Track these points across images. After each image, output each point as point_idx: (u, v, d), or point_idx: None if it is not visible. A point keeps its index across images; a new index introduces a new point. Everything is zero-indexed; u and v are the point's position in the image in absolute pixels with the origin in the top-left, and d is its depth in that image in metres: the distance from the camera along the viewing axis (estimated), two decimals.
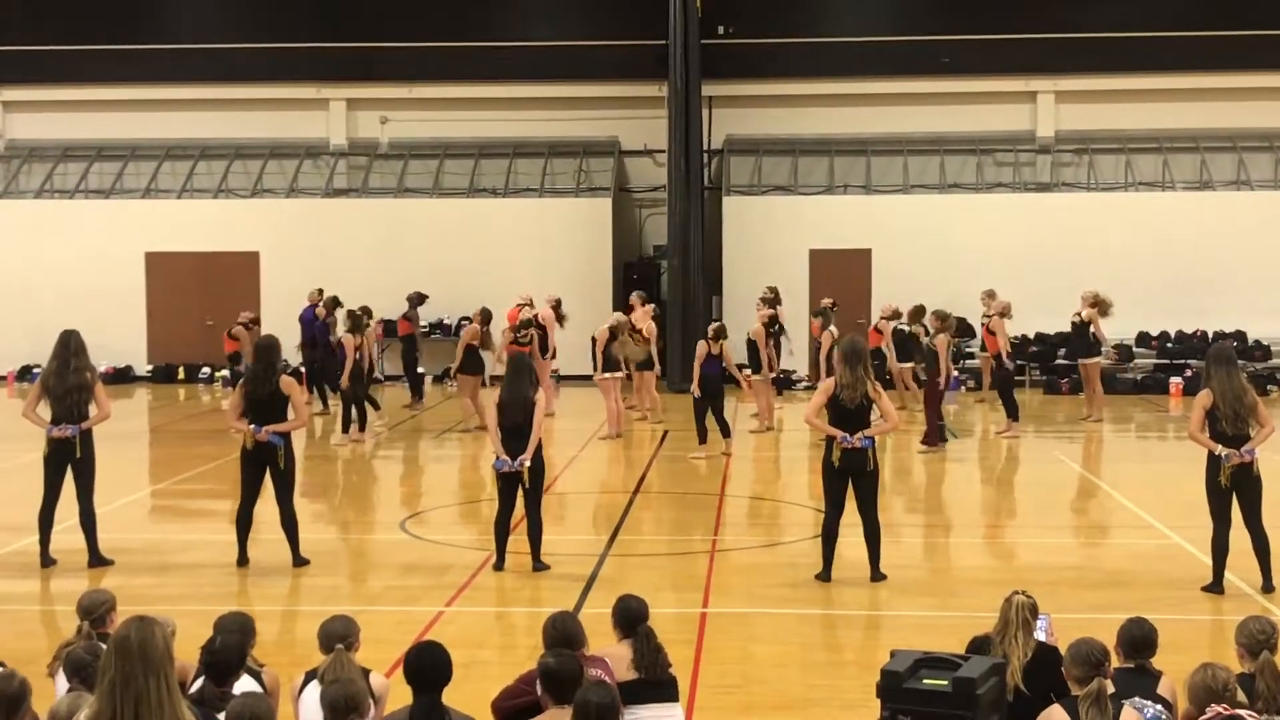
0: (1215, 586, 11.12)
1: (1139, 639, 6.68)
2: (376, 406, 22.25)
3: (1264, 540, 11.04)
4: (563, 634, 6.75)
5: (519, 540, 12.09)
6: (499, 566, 11.90)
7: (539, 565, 11.86)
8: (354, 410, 20.17)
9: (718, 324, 19.28)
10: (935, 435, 18.84)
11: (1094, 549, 13.25)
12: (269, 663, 7.01)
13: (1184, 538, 13.14)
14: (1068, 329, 27.07)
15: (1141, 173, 29.09)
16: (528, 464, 11.66)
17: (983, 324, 21.71)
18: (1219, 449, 10.82)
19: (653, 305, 23.16)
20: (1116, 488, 16.18)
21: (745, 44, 29.60)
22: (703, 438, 18.48)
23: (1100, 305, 22.09)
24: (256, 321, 24.47)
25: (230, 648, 6.26)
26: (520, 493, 11.82)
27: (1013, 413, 20.36)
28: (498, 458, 11.77)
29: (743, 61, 29.54)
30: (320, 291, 24.37)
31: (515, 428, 11.73)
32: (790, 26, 29.97)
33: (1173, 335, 27.57)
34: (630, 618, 7.16)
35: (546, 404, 14.99)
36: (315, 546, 12.69)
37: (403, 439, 21.03)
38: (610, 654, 7.01)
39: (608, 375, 20.23)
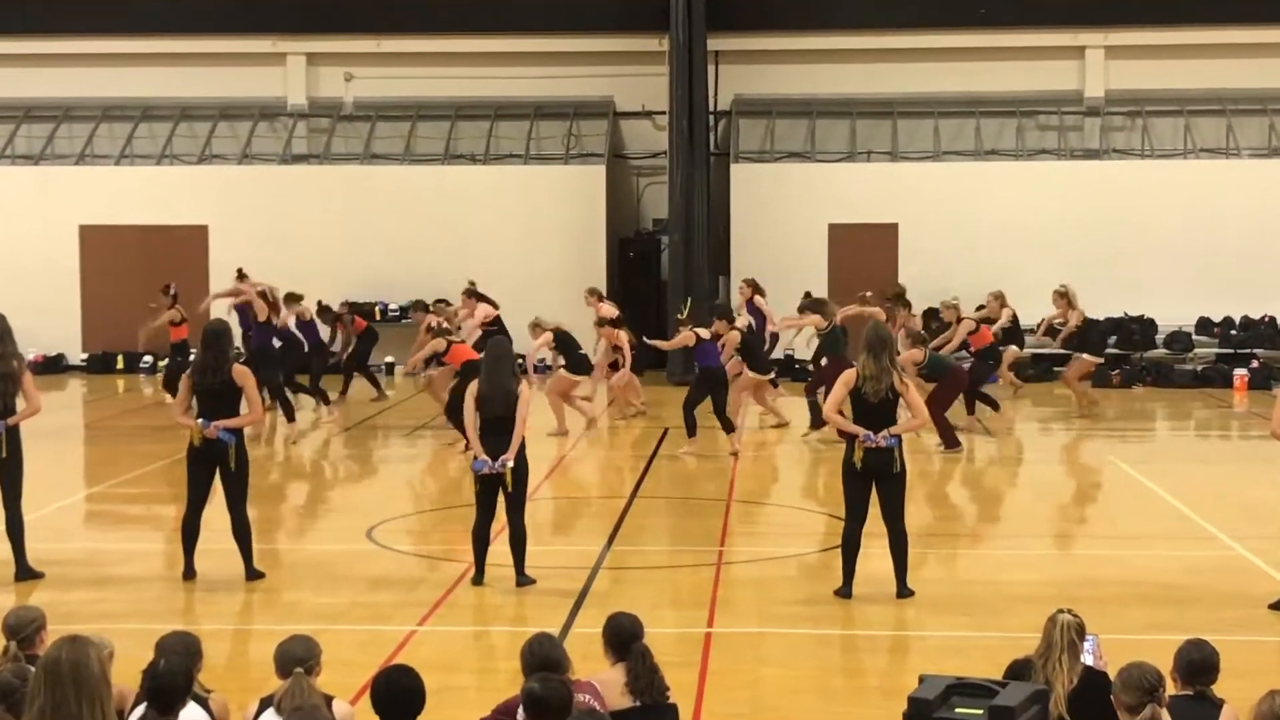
0: None
1: (1198, 663, 6.68)
2: (323, 400, 22.34)
3: None
4: (542, 659, 6.74)
5: (500, 551, 12.09)
6: (478, 580, 11.91)
7: (523, 579, 11.87)
8: (283, 398, 20.68)
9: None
10: (949, 438, 18.81)
11: (1147, 561, 13.26)
12: (218, 688, 7.01)
13: (1249, 549, 13.15)
14: (1119, 315, 27.14)
15: (1203, 138, 29.06)
16: (510, 464, 11.66)
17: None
18: None
19: (593, 292, 22.94)
20: (1173, 492, 16.19)
21: None
22: (691, 430, 18.51)
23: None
24: (167, 290, 23.58)
25: (175, 671, 6.26)
26: (501, 497, 11.82)
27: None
28: (476, 458, 11.76)
29: (753, 12, 29.50)
30: (239, 270, 24.24)
31: (496, 423, 11.73)
32: None
33: (1237, 321, 27.57)
34: (623, 636, 7.17)
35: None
36: (271, 558, 12.70)
37: (371, 437, 21.04)
38: (601, 679, 7.01)
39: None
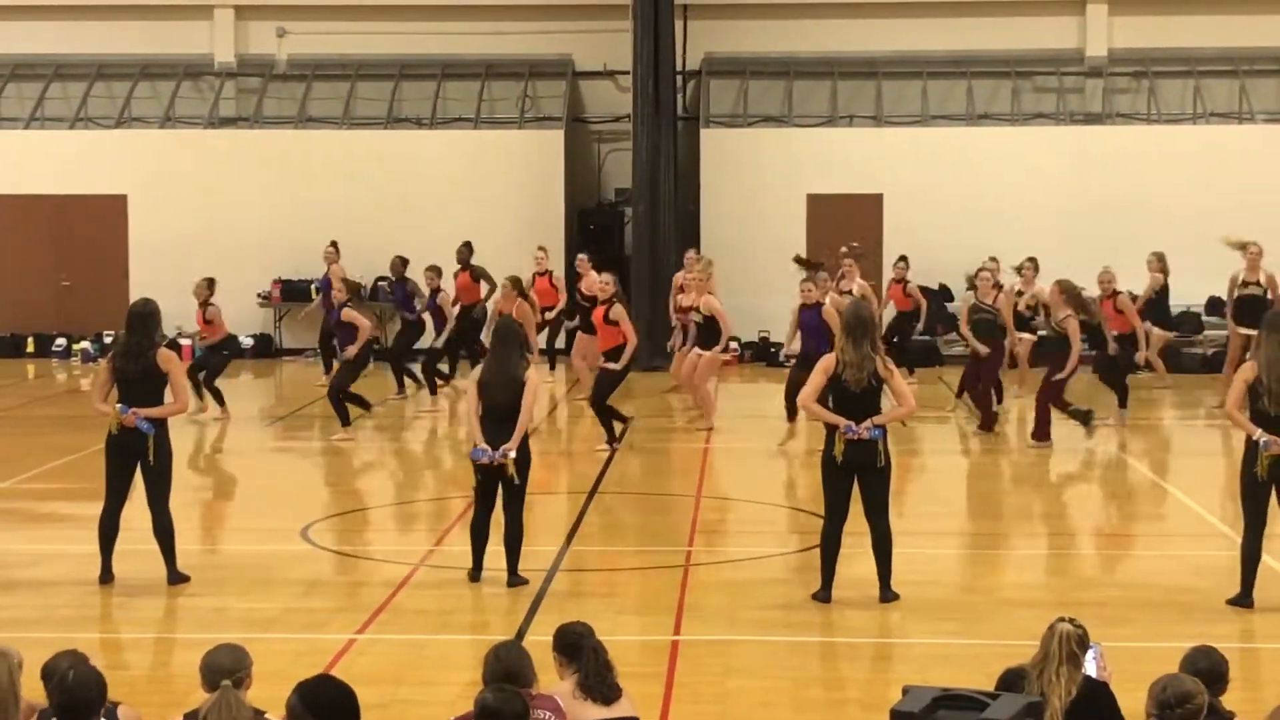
0: (1243, 599, 11.28)
1: (1206, 671, 6.73)
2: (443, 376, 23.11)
3: None
4: (507, 668, 6.81)
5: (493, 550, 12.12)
6: (475, 577, 12.00)
7: (515, 579, 11.96)
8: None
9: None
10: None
11: (1153, 562, 13.35)
12: (138, 702, 7.00)
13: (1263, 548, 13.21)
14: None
15: (1214, 100, 29.19)
16: (512, 455, 11.71)
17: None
18: (1258, 433, 10.93)
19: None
20: (1181, 487, 16.29)
21: None
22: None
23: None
24: None
25: (89, 684, 6.24)
26: (501, 490, 11.88)
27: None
28: (475, 447, 11.82)
29: None
30: None
31: (499, 411, 11.80)
32: None
33: None
34: (571, 639, 7.34)
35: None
36: (196, 559, 12.67)
37: (305, 426, 21.01)
38: (562, 691, 7.07)
39: None
